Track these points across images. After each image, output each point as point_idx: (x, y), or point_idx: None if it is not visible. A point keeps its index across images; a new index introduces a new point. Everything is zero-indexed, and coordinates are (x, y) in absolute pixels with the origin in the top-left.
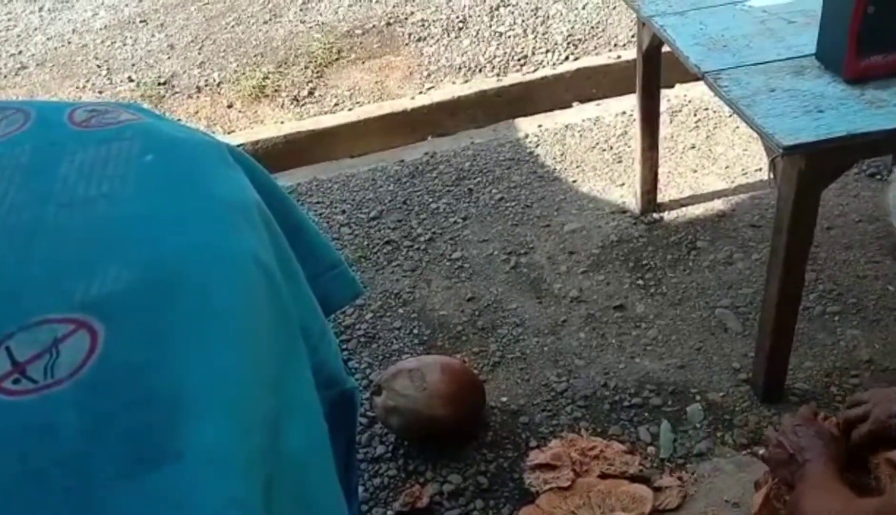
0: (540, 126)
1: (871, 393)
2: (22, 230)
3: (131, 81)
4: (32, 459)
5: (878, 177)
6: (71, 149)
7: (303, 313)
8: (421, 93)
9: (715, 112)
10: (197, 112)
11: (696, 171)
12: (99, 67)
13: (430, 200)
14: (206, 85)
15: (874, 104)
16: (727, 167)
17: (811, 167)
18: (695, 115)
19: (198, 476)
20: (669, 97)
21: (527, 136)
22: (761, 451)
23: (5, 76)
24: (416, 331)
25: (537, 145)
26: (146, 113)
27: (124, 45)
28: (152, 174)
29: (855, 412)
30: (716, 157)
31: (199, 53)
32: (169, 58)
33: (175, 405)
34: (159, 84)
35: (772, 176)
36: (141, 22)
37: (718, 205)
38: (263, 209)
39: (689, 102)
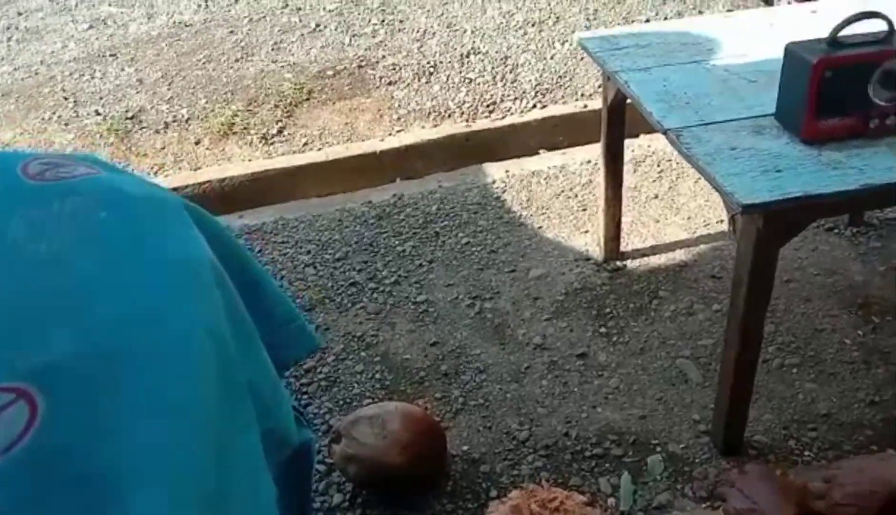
0: (507, 172)
1: (840, 471)
2: None
3: (98, 114)
4: None
5: (836, 231)
6: (23, 204)
7: (254, 377)
8: (390, 135)
9: (678, 163)
10: (164, 148)
11: (658, 221)
12: (66, 99)
13: (397, 242)
14: (175, 121)
15: (830, 165)
16: (689, 218)
17: (769, 225)
18: (658, 165)
19: None
20: (633, 147)
21: (494, 181)
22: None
23: None
24: (378, 375)
25: (504, 191)
26: (103, 165)
27: (93, 78)
28: (105, 234)
29: (816, 487)
30: (678, 207)
31: (169, 89)
32: (137, 92)
33: (109, 487)
34: (127, 118)
35: (731, 231)
36: (111, 56)
37: (680, 255)
38: (217, 269)
39: (653, 152)
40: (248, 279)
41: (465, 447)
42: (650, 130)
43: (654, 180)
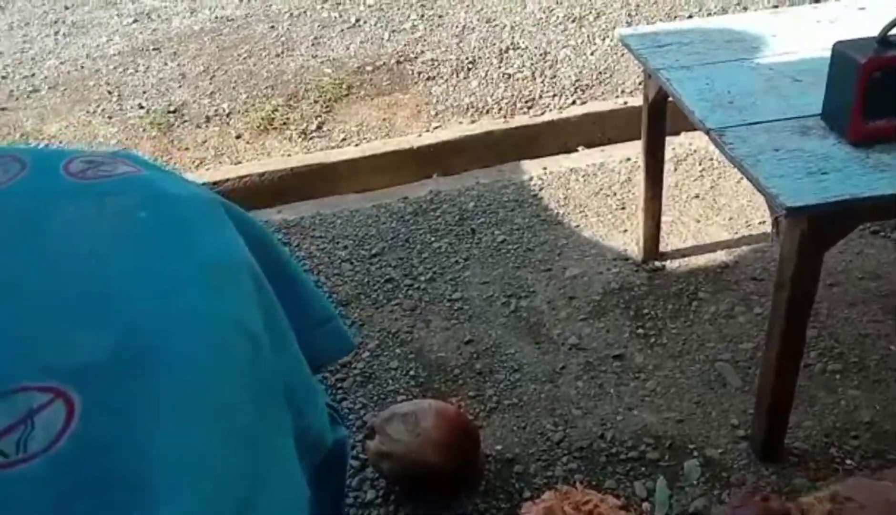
0: (545, 169)
1: (850, 488)
2: (3, 289)
3: (141, 107)
4: None
5: (881, 234)
6: (64, 202)
7: (288, 377)
8: (428, 131)
9: (720, 162)
10: (205, 142)
11: (699, 220)
12: (110, 92)
13: (433, 239)
14: (216, 115)
15: (878, 168)
16: (731, 218)
17: (814, 229)
18: (699, 164)
19: None
20: (674, 145)
21: (531, 178)
22: None
23: (17, 98)
24: (412, 372)
25: (541, 188)
26: (144, 164)
27: (136, 72)
28: (144, 233)
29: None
30: (720, 207)
31: (211, 83)
32: (180, 86)
33: (142, 488)
34: (169, 112)
35: (775, 233)
36: (154, 50)
37: (721, 256)
38: (255, 270)
39: (695, 151)
40: (285, 279)
41: (498, 447)
42: (692, 127)
43: (696, 179)
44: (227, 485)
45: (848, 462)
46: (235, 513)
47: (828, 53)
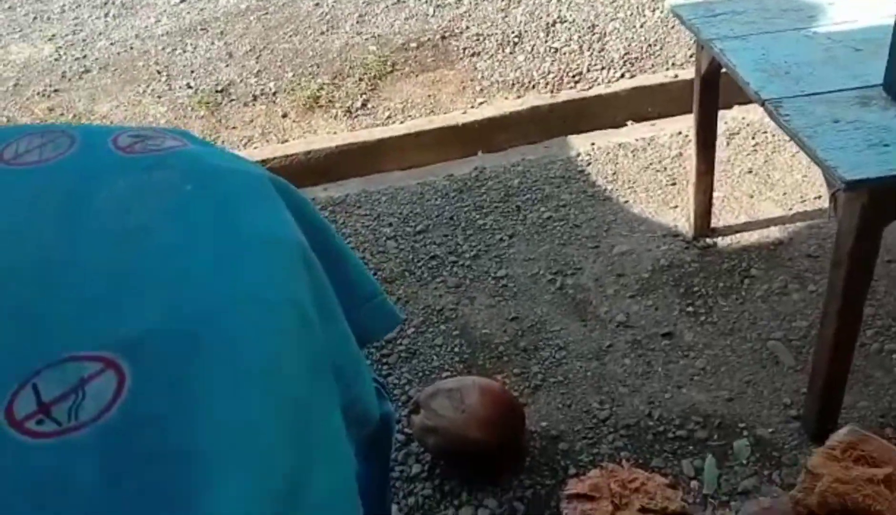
0: (593, 144)
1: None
2: (53, 262)
3: (189, 87)
4: (49, 507)
5: None
6: (112, 176)
7: (337, 353)
8: (473, 107)
9: (774, 136)
10: (252, 121)
11: (752, 196)
12: (159, 72)
13: (478, 216)
14: (262, 94)
15: None
16: (785, 194)
17: (874, 203)
18: (753, 138)
19: None
20: (727, 119)
21: (578, 154)
22: None
23: (69, 79)
24: (457, 349)
25: (589, 164)
26: (191, 139)
27: (184, 52)
28: (191, 207)
29: None
30: (773, 182)
31: (257, 62)
32: (227, 66)
33: (195, 462)
34: (217, 92)
35: (832, 208)
36: (202, 30)
37: (775, 233)
38: (303, 245)
39: (748, 124)
40: (330, 254)
41: (543, 424)
42: (745, 100)
43: (749, 154)
44: (276, 459)
45: None
46: (286, 487)
47: (889, 21)
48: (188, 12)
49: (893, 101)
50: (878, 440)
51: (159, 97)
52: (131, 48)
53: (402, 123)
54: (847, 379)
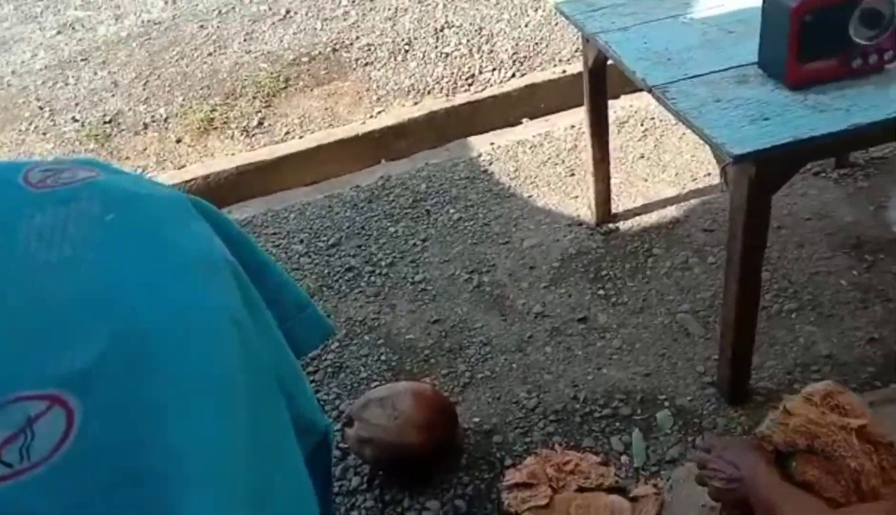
0: (492, 144)
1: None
2: None
3: (76, 121)
4: None
5: (823, 175)
6: (28, 212)
7: (277, 364)
8: (371, 117)
9: (661, 121)
10: (145, 149)
11: (647, 179)
12: (41, 108)
13: (389, 224)
14: (153, 121)
15: (817, 109)
16: (677, 174)
17: (761, 174)
18: (642, 125)
19: None
20: (616, 108)
21: (480, 154)
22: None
23: None
24: (383, 357)
25: (491, 163)
26: (104, 168)
27: (66, 84)
28: (116, 235)
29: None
30: (665, 164)
31: (144, 89)
32: (113, 96)
33: (163, 482)
34: (105, 123)
35: (723, 182)
36: (82, 60)
37: (671, 212)
38: (232, 261)
39: (636, 112)
40: (257, 270)
41: (476, 420)
42: (631, 89)
43: (640, 140)
44: (239, 473)
45: None
46: (252, 501)
47: (756, 3)
48: (66, 44)
49: (768, 77)
50: (855, 396)
51: (44, 134)
52: (9, 85)
53: (301, 138)
54: (753, 342)
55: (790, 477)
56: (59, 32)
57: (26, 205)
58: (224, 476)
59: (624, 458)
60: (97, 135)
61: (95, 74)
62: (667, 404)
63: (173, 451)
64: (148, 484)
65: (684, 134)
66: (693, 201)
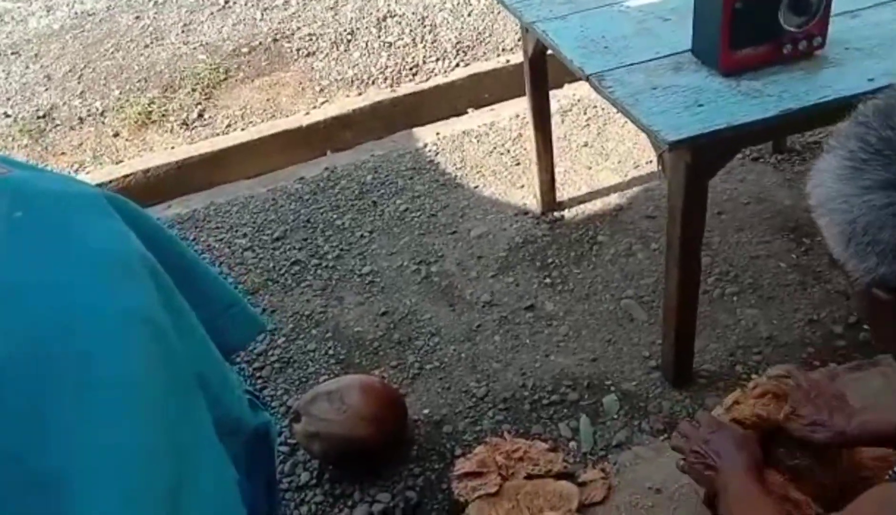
0: (438, 134)
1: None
2: None
3: (7, 116)
4: None
5: (761, 160)
6: None
7: (199, 364)
8: (315, 108)
9: (604, 110)
10: (81, 144)
11: (590, 167)
12: None
13: (335, 216)
14: (89, 115)
15: (750, 95)
16: (620, 162)
17: (696, 159)
18: (585, 113)
19: None
20: (559, 97)
21: (426, 145)
22: (677, 462)
23: None
24: (331, 351)
25: (437, 153)
26: (16, 164)
27: None
28: (24, 233)
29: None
30: (608, 153)
31: (79, 83)
32: (46, 90)
33: (60, 488)
34: (38, 117)
35: (661, 169)
36: (13, 54)
37: (615, 199)
38: (148, 259)
39: (579, 100)
40: (181, 268)
41: (425, 411)
42: (574, 79)
43: (583, 128)
44: (147, 474)
45: (753, 376)
46: (159, 500)
47: None
48: None
49: (702, 64)
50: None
51: None
52: None
53: (243, 130)
54: (695, 326)
55: (780, 462)
56: None
57: None
58: (131, 476)
59: (572, 444)
60: (31, 130)
61: (27, 67)
62: (613, 389)
63: (76, 454)
64: (48, 489)
65: (626, 122)
66: (636, 189)
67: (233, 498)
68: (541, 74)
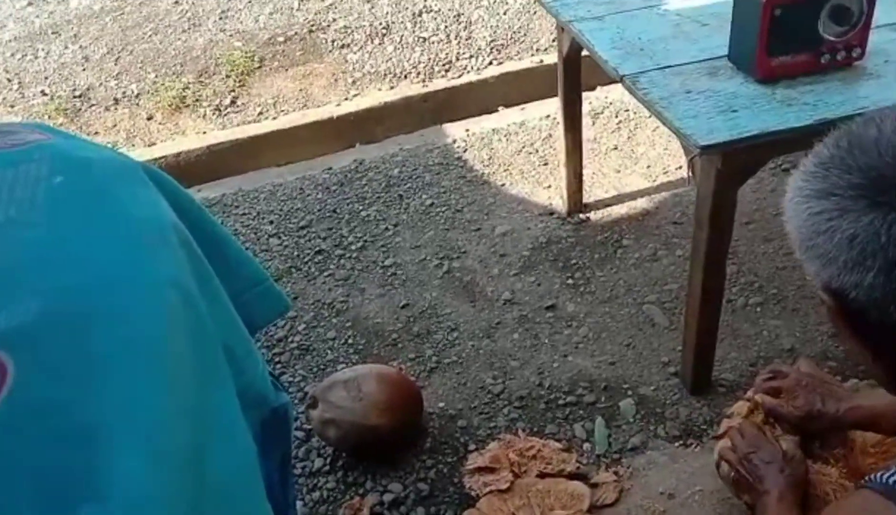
0: (467, 131)
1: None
2: None
3: (45, 94)
4: None
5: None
6: None
7: (226, 335)
8: (346, 100)
9: (635, 113)
10: (115, 125)
11: (619, 171)
12: (10, 80)
13: (361, 207)
14: (125, 97)
15: (785, 103)
16: (649, 167)
17: (727, 166)
18: (616, 116)
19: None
20: (591, 100)
21: (454, 141)
22: (722, 469)
23: None
24: (350, 341)
25: (465, 150)
26: (55, 132)
27: (36, 57)
28: (62, 197)
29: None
30: (637, 157)
31: (116, 65)
32: (84, 70)
33: (92, 442)
34: (75, 97)
35: (691, 175)
36: (53, 33)
37: (642, 204)
38: (181, 229)
39: (610, 103)
40: (211, 242)
41: (441, 404)
42: (607, 81)
43: (613, 132)
44: (172, 435)
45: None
46: (183, 461)
47: None
48: (37, 16)
49: (738, 69)
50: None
51: (12, 106)
52: None
53: (274, 118)
54: (717, 334)
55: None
56: (29, 4)
57: None
58: (160, 436)
59: (586, 445)
60: (66, 109)
61: (66, 47)
62: (630, 393)
63: (106, 413)
64: (78, 445)
65: (658, 127)
66: (664, 194)
67: (253, 469)
68: (574, 74)
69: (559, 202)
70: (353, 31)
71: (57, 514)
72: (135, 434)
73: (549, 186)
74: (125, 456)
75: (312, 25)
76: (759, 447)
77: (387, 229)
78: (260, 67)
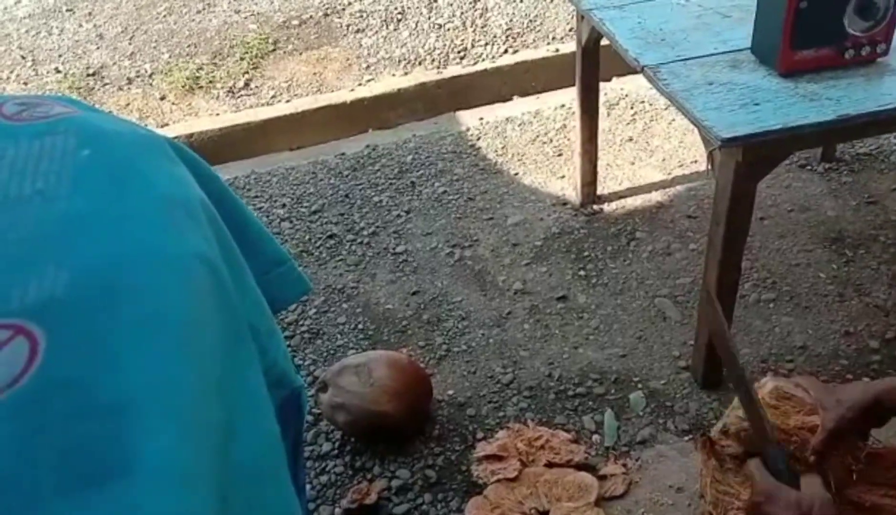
0: (481, 119)
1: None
2: None
3: (58, 72)
4: None
5: (808, 168)
6: (2, 144)
7: (251, 313)
8: (360, 85)
9: (651, 105)
10: (128, 104)
11: (633, 163)
12: (23, 57)
13: (373, 193)
14: (138, 76)
15: (807, 97)
16: (664, 159)
17: (748, 159)
18: (632, 108)
19: (147, 490)
20: (606, 90)
21: (468, 129)
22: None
23: None
24: (360, 326)
25: (479, 138)
26: (81, 106)
27: (50, 34)
28: (90, 170)
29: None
30: (653, 149)
31: (130, 44)
32: (98, 48)
33: (121, 416)
34: (88, 75)
35: (710, 167)
36: (67, 11)
37: (656, 196)
38: (208, 205)
39: (626, 95)
40: (236, 220)
41: (450, 392)
42: (623, 72)
43: (629, 123)
44: (201, 410)
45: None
46: (212, 437)
47: None
48: None
49: (761, 63)
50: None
51: (25, 83)
52: None
53: (288, 102)
54: (730, 329)
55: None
56: None
57: (1, 137)
58: (188, 413)
59: (595, 437)
60: (80, 87)
61: (80, 25)
62: (640, 386)
63: (135, 387)
64: (107, 418)
65: (674, 120)
66: (679, 187)
67: (279, 452)
68: (592, 63)
69: (572, 193)
70: (368, 16)
71: (84, 492)
72: (164, 411)
73: (563, 177)
74: (155, 433)
75: (328, 9)
76: (772, 494)
77: (399, 215)
78: (274, 50)
